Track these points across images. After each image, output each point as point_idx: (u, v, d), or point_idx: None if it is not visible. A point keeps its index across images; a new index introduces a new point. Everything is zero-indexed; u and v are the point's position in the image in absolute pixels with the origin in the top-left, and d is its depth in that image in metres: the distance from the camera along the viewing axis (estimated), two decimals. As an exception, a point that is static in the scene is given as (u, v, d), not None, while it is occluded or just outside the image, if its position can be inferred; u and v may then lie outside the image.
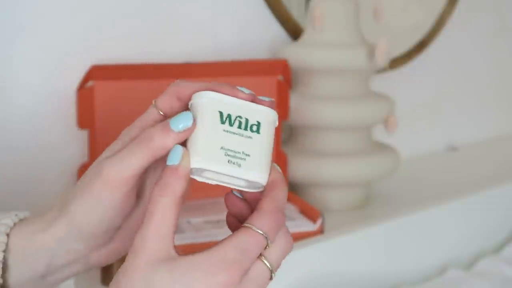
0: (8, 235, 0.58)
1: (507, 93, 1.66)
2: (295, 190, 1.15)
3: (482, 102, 1.60)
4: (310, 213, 1.01)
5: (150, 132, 0.53)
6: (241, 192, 0.57)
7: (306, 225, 1.00)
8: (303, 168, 1.10)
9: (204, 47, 1.11)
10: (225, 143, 0.53)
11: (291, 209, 1.05)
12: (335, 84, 1.10)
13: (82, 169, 0.99)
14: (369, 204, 1.16)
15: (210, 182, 0.55)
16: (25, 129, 0.96)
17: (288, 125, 1.17)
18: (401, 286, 1.07)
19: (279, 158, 1.10)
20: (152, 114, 0.57)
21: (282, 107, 1.09)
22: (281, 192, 0.54)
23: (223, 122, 0.53)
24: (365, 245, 1.03)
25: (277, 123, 0.56)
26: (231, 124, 0.53)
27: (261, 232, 0.51)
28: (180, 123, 0.53)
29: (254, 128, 0.54)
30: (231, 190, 0.56)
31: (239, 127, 0.54)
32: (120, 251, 0.60)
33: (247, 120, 0.54)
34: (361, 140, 1.13)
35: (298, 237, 0.97)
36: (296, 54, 1.10)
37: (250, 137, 0.54)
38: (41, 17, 0.96)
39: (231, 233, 0.52)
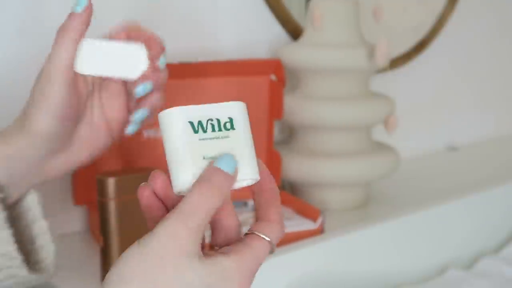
0: None
1: (507, 93, 1.66)
2: (295, 190, 1.15)
3: (482, 102, 1.60)
4: (310, 212, 1.02)
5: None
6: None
7: (306, 224, 1.00)
8: (303, 168, 1.10)
9: (204, 47, 1.11)
10: (205, 151, 0.52)
11: (289, 211, 1.05)
12: (335, 84, 1.10)
13: (77, 172, 0.99)
14: (369, 204, 1.16)
15: None
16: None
17: (287, 125, 1.17)
18: (401, 286, 1.07)
19: (272, 157, 1.10)
20: None
21: (275, 107, 1.09)
22: (278, 195, 0.56)
23: (196, 132, 0.52)
24: (365, 245, 1.03)
25: (245, 107, 0.55)
26: (204, 131, 0.53)
27: (270, 240, 0.54)
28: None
29: (228, 125, 0.53)
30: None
31: (213, 129, 0.53)
32: (72, 161, 0.70)
33: (218, 121, 0.53)
34: (361, 140, 1.13)
35: (298, 236, 0.97)
36: (296, 54, 1.10)
37: (227, 136, 0.53)
38: (40, 18, 0.96)
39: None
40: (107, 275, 0.52)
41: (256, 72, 1.08)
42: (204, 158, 0.52)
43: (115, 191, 0.88)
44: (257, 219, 0.56)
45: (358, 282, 1.02)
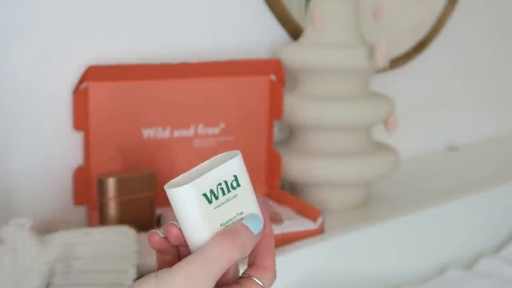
0: None
1: (507, 93, 1.66)
2: (295, 190, 1.15)
3: (482, 102, 1.60)
4: (310, 212, 1.02)
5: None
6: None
7: (306, 224, 1.00)
8: (303, 168, 1.10)
9: (204, 47, 1.11)
10: (221, 218, 0.55)
11: (289, 211, 1.05)
12: (335, 84, 1.10)
13: (78, 172, 0.99)
14: (369, 204, 1.16)
15: None
16: (22, 132, 0.97)
17: (287, 126, 1.17)
18: (401, 286, 1.07)
19: (272, 157, 1.10)
20: None
21: (275, 107, 1.09)
22: (273, 240, 0.59)
23: (210, 202, 0.54)
24: (365, 245, 1.03)
25: (241, 157, 0.57)
26: (216, 197, 0.55)
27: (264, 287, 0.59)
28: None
29: (235, 184, 0.56)
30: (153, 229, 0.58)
31: (224, 193, 0.55)
32: None
33: (226, 182, 0.55)
34: (361, 140, 1.13)
35: (298, 236, 0.97)
36: (296, 54, 1.10)
37: (235, 195, 0.56)
38: (39, 18, 0.96)
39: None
40: None
41: (256, 72, 1.08)
42: (221, 225, 0.55)
43: (115, 191, 0.88)
44: (253, 263, 0.59)
45: (358, 282, 1.02)
